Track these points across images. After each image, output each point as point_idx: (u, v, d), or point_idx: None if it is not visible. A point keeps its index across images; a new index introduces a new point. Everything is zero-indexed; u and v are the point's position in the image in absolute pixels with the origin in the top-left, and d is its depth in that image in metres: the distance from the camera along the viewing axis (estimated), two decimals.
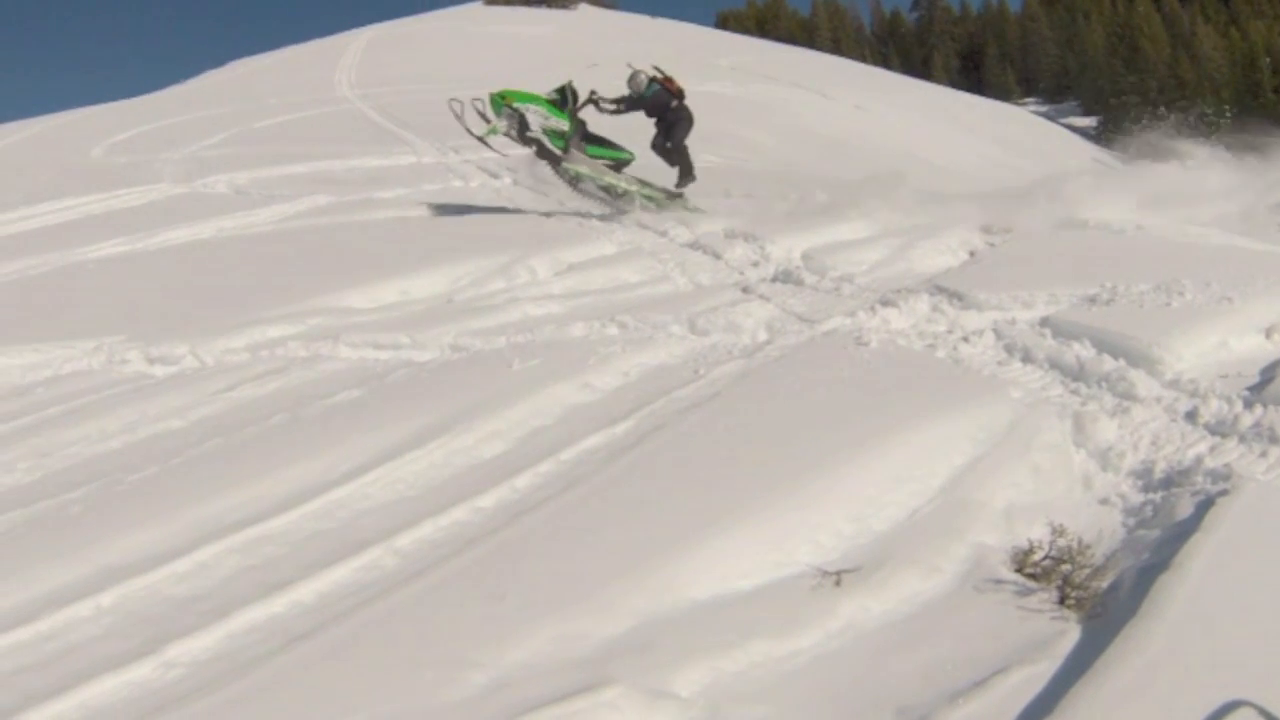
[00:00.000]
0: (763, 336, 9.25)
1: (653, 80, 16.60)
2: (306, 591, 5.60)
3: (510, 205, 18.04)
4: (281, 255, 14.97)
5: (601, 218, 15.52)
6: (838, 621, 5.12)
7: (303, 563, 5.88)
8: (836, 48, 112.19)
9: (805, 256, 12.00)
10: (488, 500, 6.44)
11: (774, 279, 11.45)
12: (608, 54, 62.48)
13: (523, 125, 15.63)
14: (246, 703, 4.64)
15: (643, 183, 16.25)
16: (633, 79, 16.66)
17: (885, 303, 9.69)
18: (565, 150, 15.80)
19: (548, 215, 16.10)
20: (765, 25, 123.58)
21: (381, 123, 33.31)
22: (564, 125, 15.76)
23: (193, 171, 23.87)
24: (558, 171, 16.11)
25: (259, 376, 9.25)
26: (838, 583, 5.32)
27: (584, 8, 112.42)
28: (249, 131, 32.35)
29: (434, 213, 16.97)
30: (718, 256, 12.59)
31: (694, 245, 13.22)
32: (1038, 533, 5.71)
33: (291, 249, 15.48)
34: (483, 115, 15.90)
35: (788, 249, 12.43)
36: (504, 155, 17.33)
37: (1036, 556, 5.46)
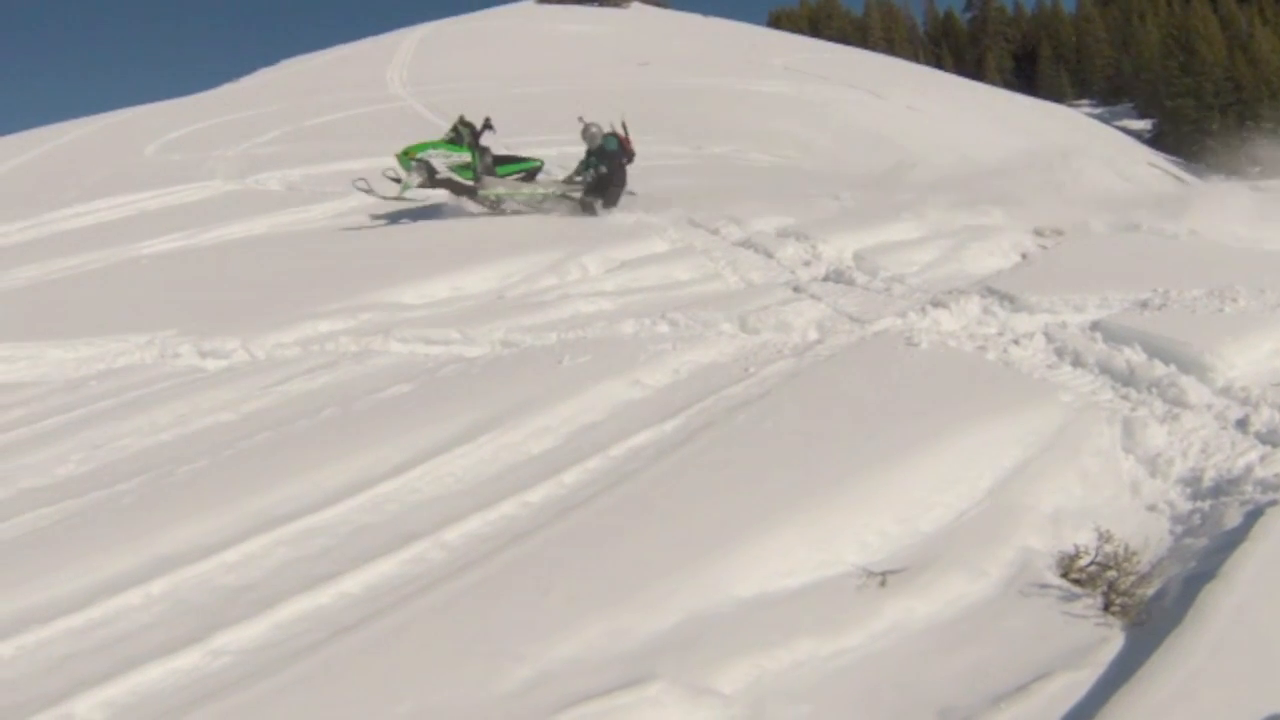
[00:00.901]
0: (813, 336, 9.22)
1: (612, 135, 16.86)
2: (354, 583, 5.64)
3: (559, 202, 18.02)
4: (333, 251, 15.05)
5: (649, 214, 15.49)
6: (882, 622, 5.10)
7: (350, 555, 5.92)
8: (889, 47, 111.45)
9: (857, 256, 11.92)
10: (535, 495, 6.46)
11: (825, 278, 11.39)
12: (660, 52, 62.61)
13: (430, 171, 16.18)
14: (292, 691, 4.68)
15: (560, 183, 16.93)
16: (585, 132, 16.92)
17: (936, 304, 9.63)
18: (476, 179, 16.37)
19: (600, 213, 16.08)
20: (818, 24, 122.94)
21: (434, 120, 33.36)
22: (466, 158, 16.32)
23: (245, 169, 24.03)
24: (477, 200, 16.54)
25: (309, 371, 9.31)
26: (883, 583, 5.30)
27: (636, 6, 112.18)
28: (301, 129, 32.52)
29: (486, 209, 16.99)
30: (769, 255, 12.53)
31: (745, 243, 13.17)
32: (1084, 538, 5.66)
33: (343, 245, 15.57)
34: (394, 179, 16.34)
35: (839, 248, 12.36)
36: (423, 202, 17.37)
37: (1082, 562, 5.42)
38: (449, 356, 9.44)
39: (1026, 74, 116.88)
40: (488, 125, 16.65)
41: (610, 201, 16.38)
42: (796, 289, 10.82)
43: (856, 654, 4.91)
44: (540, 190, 16.64)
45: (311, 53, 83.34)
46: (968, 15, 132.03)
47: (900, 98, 50.65)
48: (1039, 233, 12.85)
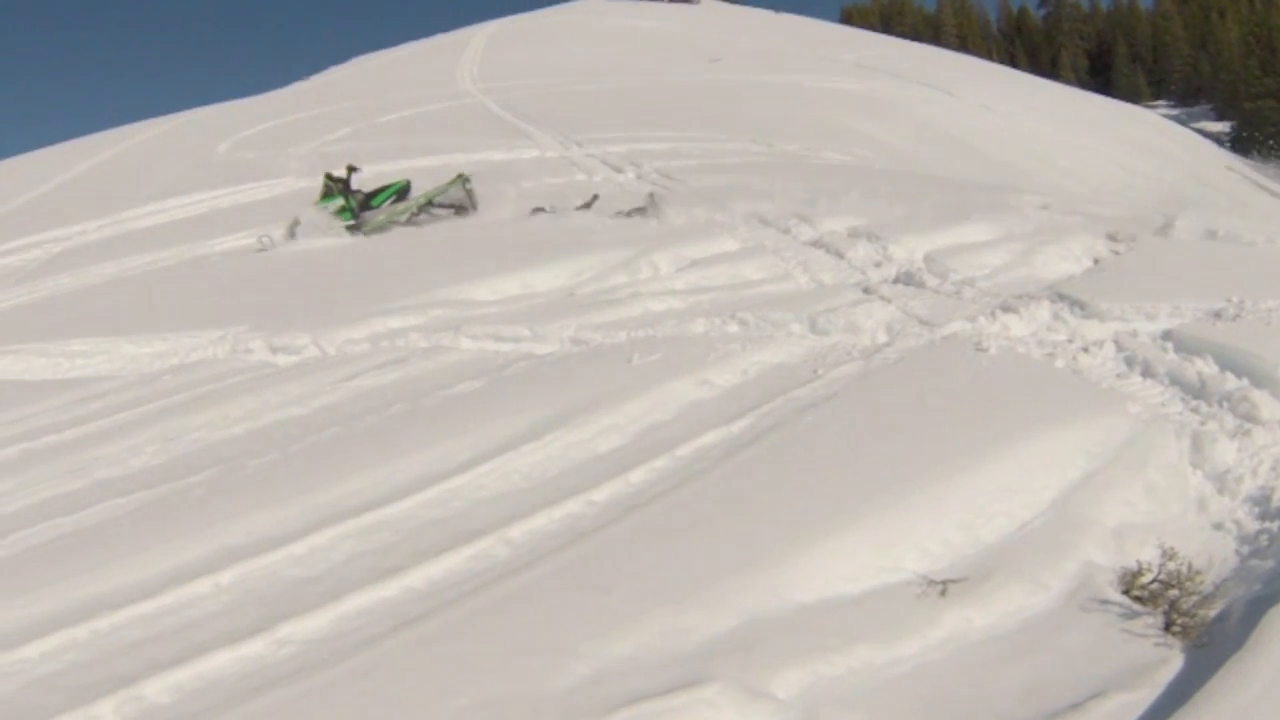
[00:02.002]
0: (882, 338, 9.15)
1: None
2: (418, 578, 5.70)
3: (633, 199, 18.03)
4: (404, 247, 15.16)
5: (720, 212, 15.46)
6: (940, 632, 5.07)
7: (416, 549, 5.98)
8: (962, 44, 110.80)
9: (928, 258, 11.81)
10: (601, 494, 6.48)
11: (896, 280, 11.29)
12: (731, 48, 62.53)
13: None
14: (353, 682, 4.75)
15: (428, 193, 17.84)
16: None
17: (1006, 308, 9.51)
18: (355, 218, 17.30)
19: (671, 211, 16.06)
20: (890, 21, 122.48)
21: (504, 116, 33.51)
22: (339, 203, 17.41)
23: (317, 166, 24.14)
24: (366, 234, 17.15)
25: (380, 366, 9.38)
26: (943, 592, 5.26)
27: (707, 2, 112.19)
28: (372, 126, 32.77)
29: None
30: (840, 255, 12.44)
31: (817, 243, 13.09)
32: (1148, 554, 5.56)
33: (413, 241, 15.67)
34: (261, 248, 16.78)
35: (910, 250, 12.24)
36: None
37: (1145, 579, 5.32)
38: (518, 354, 9.47)
39: (1102, 73, 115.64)
40: (352, 171, 17.88)
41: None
42: (867, 290, 10.74)
43: (913, 663, 4.89)
44: (414, 205, 17.62)
45: (382, 50, 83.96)
46: (1042, 12, 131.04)
47: (973, 96, 50.31)
48: (1112, 237, 12.68)
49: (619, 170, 21.74)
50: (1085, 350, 8.43)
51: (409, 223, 17.33)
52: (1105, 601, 5.28)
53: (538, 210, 16.58)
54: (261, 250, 16.47)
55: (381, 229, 17.18)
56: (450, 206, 17.48)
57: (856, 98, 43.26)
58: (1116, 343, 8.53)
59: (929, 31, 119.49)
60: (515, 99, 37.82)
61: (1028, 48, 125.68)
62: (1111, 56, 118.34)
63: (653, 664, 4.72)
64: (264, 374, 9.65)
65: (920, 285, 10.81)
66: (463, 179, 17.69)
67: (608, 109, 33.87)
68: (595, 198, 17.11)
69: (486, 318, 10.48)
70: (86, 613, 5.58)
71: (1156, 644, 4.95)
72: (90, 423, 8.95)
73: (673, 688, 4.51)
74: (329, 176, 17.60)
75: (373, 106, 38.42)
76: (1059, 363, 8.18)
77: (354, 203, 17.29)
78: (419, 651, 4.92)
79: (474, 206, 17.43)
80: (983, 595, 5.27)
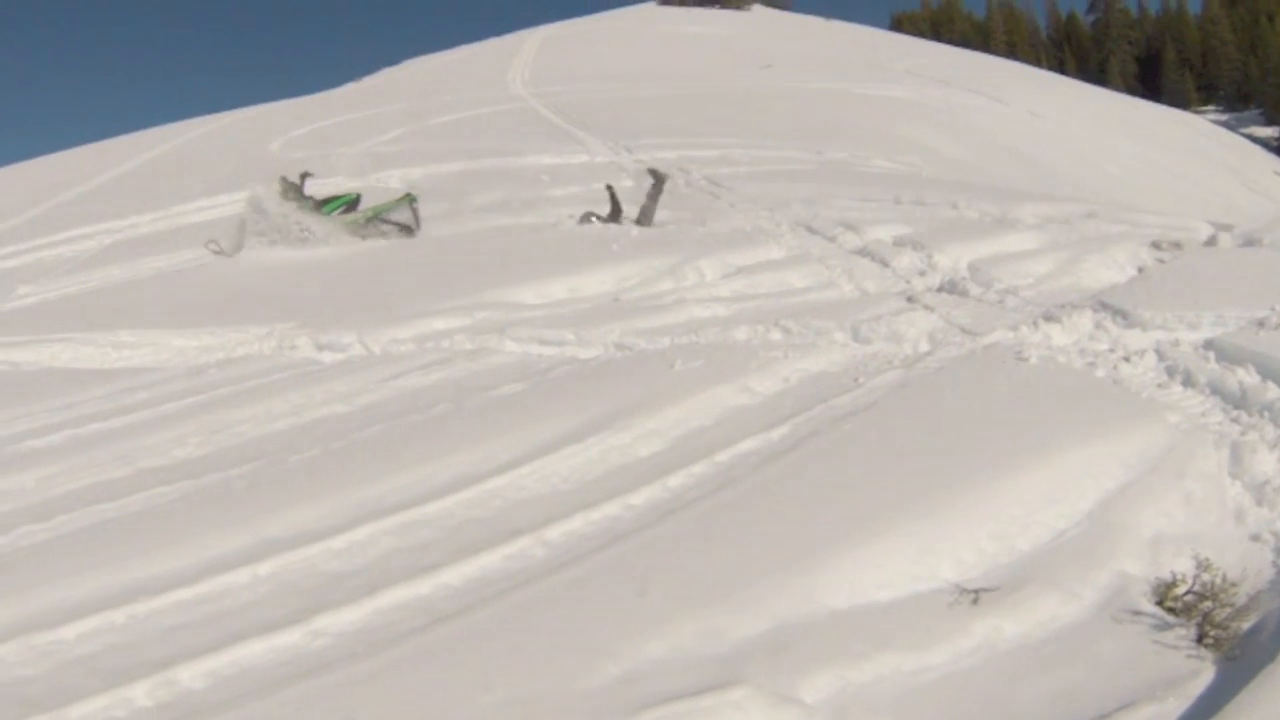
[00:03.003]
0: (924, 347, 9.14)
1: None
2: (455, 575, 5.78)
3: (679, 205, 18.04)
4: (451, 249, 15.21)
5: (767, 220, 15.46)
6: (970, 640, 5.08)
7: (454, 547, 6.05)
8: (1011, 51, 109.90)
9: (972, 267, 11.78)
10: (639, 498, 6.52)
11: (939, 289, 11.27)
12: (781, 55, 62.38)
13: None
14: (387, 675, 4.82)
15: (375, 208, 17.85)
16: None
17: (1048, 318, 9.48)
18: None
19: (718, 217, 16.07)
20: (940, 28, 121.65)
21: (555, 121, 33.52)
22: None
23: (367, 166, 24.32)
24: (315, 239, 17.25)
25: (424, 367, 9.46)
26: (975, 601, 5.27)
27: (758, 8, 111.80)
28: (423, 128, 32.82)
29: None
30: (885, 264, 12.43)
31: (862, 251, 13.08)
32: (1183, 565, 5.54)
33: (461, 243, 15.72)
34: (217, 251, 16.92)
35: (955, 258, 12.21)
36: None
37: (1179, 591, 5.31)
38: (562, 357, 9.53)
39: (1150, 79, 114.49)
40: (305, 176, 18.45)
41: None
42: (910, 299, 10.74)
43: (942, 671, 4.90)
44: (363, 217, 17.65)
45: (435, 53, 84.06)
46: (1090, 18, 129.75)
47: (1022, 103, 50.02)
48: (1157, 245, 12.61)
49: (667, 176, 21.72)
50: (1126, 360, 8.39)
51: (356, 234, 17.45)
52: (1138, 612, 5.29)
53: (588, 216, 16.58)
54: (218, 252, 16.67)
55: (332, 237, 17.33)
56: (396, 224, 17.63)
57: (906, 105, 43.07)
58: (1158, 352, 8.49)
59: (978, 38, 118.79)
60: (566, 103, 37.83)
61: (1076, 54, 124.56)
62: (1160, 62, 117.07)
63: (684, 665, 4.77)
64: (309, 370, 9.76)
65: (964, 294, 10.81)
66: (409, 198, 17.89)
67: (658, 114, 33.86)
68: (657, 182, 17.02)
69: (532, 321, 10.56)
70: (125, 597, 5.70)
71: (1189, 655, 4.95)
72: (136, 412, 9.10)
73: (703, 689, 4.56)
74: (284, 180, 17.95)
75: (424, 109, 38.51)
76: (1100, 372, 8.14)
77: (307, 209, 17.58)
78: (453, 647, 4.98)
79: (418, 226, 17.59)
80: (1015, 604, 5.27)
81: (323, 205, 17.63)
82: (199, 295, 13.77)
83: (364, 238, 17.16)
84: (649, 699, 4.52)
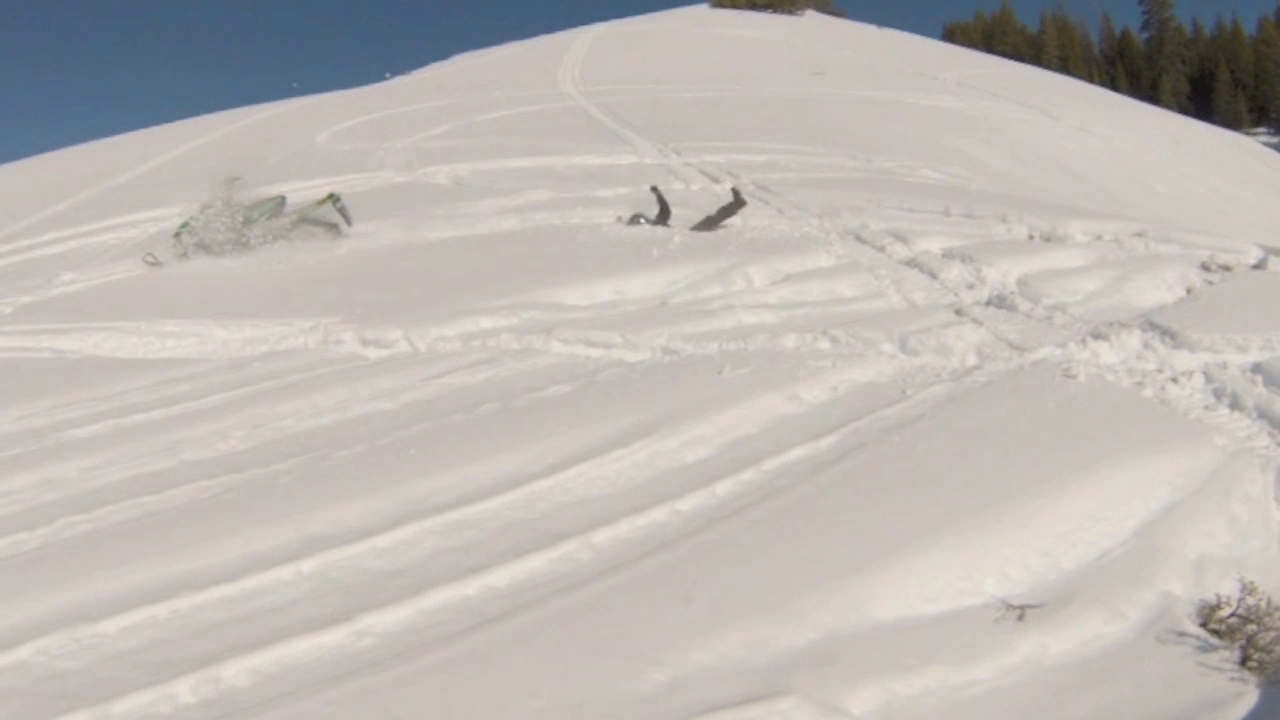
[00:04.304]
0: (972, 361, 9.10)
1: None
2: (500, 577, 5.76)
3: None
4: (497, 247, 15.20)
5: (815, 228, 15.41)
6: (1015, 656, 5.06)
7: (499, 549, 6.04)
8: (1063, 66, 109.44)
9: (1020, 282, 11.72)
10: (687, 504, 6.49)
11: (988, 302, 11.20)
12: (833, 61, 62.32)
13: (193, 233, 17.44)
14: (432, 676, 4.81)
15: (301, 210, 18.07)
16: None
17: (1097, 335, 9.42)
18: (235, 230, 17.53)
19: (766, 223, 16.04)
20: (992, 39, 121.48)
21: (604, 121, 33.55)
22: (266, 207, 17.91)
23: (414, 161, 24.40)
24: (242, 245, 17.34)
25: (470, 365, 9.45)
26: (1020, 617, 5.25)
27: (810, 14, 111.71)
28: (471, 124, 32.91)
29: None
30: (933, 276, 12.38)
31: (911, 262, 13.03)
32: (1227, 588, 5.52)
33: (507, 242, 15.72)
34: (152, 263, 16.87)
35: (1004, 272, 12.15)
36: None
37: (1223, 613, 5.29)
38: (609, 360, 9.52)
39: (1202, 98, 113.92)
40: (234, 180, 18.12)
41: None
42: (959, 312, 10.67)
43: (987, 686, 4.88)
44: (288, 221, 17.80)
45: (484, 48, 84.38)
46: (1144, 35, 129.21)
47: (1072, 119, 49.75)
48: (1206, 267, 12.53)
49: (716, 181, 21.64)
50: (1174, 380, 8.35)
51: (282, 237, 17.57)
52: (1182, 633, 5.25)
53: (636, 218, 16.56)
54: (154, 264, 16.71)
55: (259, 243, 17.50)
56: (323, 224, 17.74)
57: (956, 116, 42.94)
58: (1206, 374, 8.44)
59: (1031, 51, 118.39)
60: (616, 104, 37.88)
61: (1129, 71, 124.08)
62: (1213, 82, 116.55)
63: (731, 674, 4.75)
64: (354, 366, 9.77)
65: (1012, 309, 10.74)
66: (333, 198, 17.97)
67: (708, 118, 33.85)
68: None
69: (578, 322, 10.55)
70: (168, 591, 5.71)
71: (1232, 678, 4.92)
72: (179, 404, 9.14)
73: (749, 698, 4.54)
74: (215, 186, 17.83)
75: (473, 104, 38.63)
76: (1147, 392, 8.11)
77: (237, 213, 17.49)
78: (498, 650, 4.97)
79: (349, 223, 17.67)
80: (1060, 622, 5.25)
81: (251, 210, 17.79)
82: (242, 287, 13.84)
83: (292, 240, 17.39)
84: (696, 706, 4.51)
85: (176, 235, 17.34)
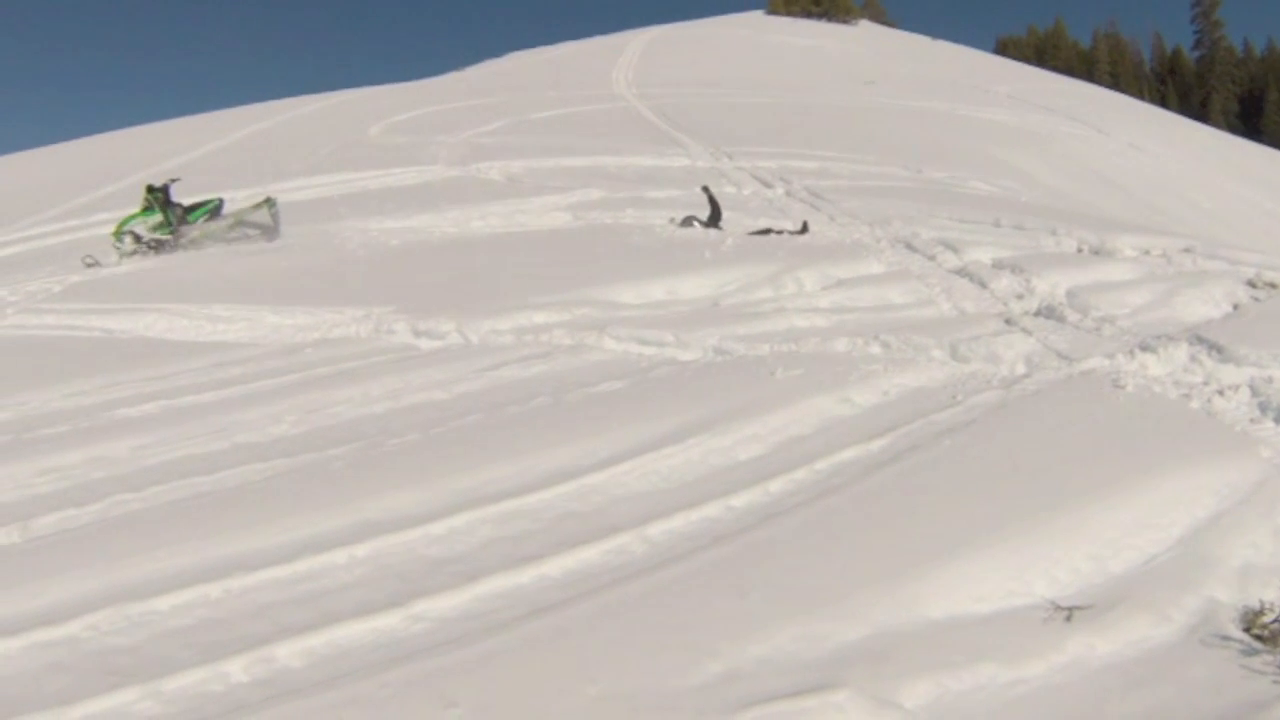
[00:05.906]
0: (1021, 369, 9.12)
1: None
2: (555, 567, 5.79)
3: (781, 215, 18.03)
4: (550, 244, 15.26)
5: (867, 235, 15.42)
6: (1063, 656, 5.06)
7: (553, 540, 6.07)
8: (1115, 82, 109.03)
9: (1069, 293, 11.73)
10: (740, 500, 6.52)
11: (1037, 313, 11.22)
12: (885, 72, 62.23)
13: (137, 238, 17.99)
14: (487, 663, 4.83)
15: (237, 213, 18.54)
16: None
17: (1144, 348, 9.43)
18: (173, 232, 18.12)
19: (817, 229, 16.06)
20: (1044, 54, 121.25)
21: (657, 123, 33.63)
22: (158, 218, 18.13)
23: (467, 156, 24.48)
24: (180, 246, 17.93)
25: (523, 359, 9.51)
26: (1069, 618, 5.27)
27: (864, 24, 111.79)
28: (525, 121, 33.04)
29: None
30: (983, 285, 12.39)
31: (961, 272, 13.04)
32: (1271, 595, 5.53)
33: (560, 239, 15.77)
34: (91, 264, 16.97)
35: (1053, 284, 12.16)
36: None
37: (1266, 619, 5.30)
38: (662, 358, 9.55)
39: (1251, 118, 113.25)
40: (172, 181, 18.84)
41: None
42: (1008, 321, 10.68)
43: (1036, 684, 4.89)
44: (225, 224, 18.40)
45: (538, 47, 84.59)
46: (1196, 54, 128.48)
47: (1122, 135, 49.61)
48: (1253, 284, 12.50)
49: (769, 185, 21.69)
50: (1220, 393, 8.35)
51: (221, 239, 17.95)
52: (1226, 638, 5.26)
53: (689, 220, 16.60)
54: (94, 265, 16.81)
55: (197, 244, 17.90)
56: (258, 227, 18.07)
57: (1007, 129, 42.84)
58: (1252, 388, 8.44)
59: (1082, 67, 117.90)
60: (669, 106, 37.96)
61: (1179, 89, 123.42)
62: (1262, 102, 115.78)
63: (785, 667, 4.77)
64: (407, 355, 9.84)
65: (1061, 320, 10.75)
66: (269, 203, 18.28)
67: (760, 123, 33.88)
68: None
69: (631, 320, 10.58)
70: (220, 572, 5.76)
71: (1274, 682, 4.91)
72: (231, 387, 9.22)
73: (804, 691, 4.56)
74: (149, 189, 18.36)
75: (527, 102, 38.78)
76: (1194, 404, 8.11)
77: (173, 216, 18.07)
78: (553, 639, 5.00)
79: (277, 230, 18.01)
80: (1107, 624, 5.27)
81: (189, 213, 18.19)
82: (294, 273, 13.93)
83: (229, 242, 17.78)
84: (751, 698, 4.53)
85: (116, 235, 17.76)
